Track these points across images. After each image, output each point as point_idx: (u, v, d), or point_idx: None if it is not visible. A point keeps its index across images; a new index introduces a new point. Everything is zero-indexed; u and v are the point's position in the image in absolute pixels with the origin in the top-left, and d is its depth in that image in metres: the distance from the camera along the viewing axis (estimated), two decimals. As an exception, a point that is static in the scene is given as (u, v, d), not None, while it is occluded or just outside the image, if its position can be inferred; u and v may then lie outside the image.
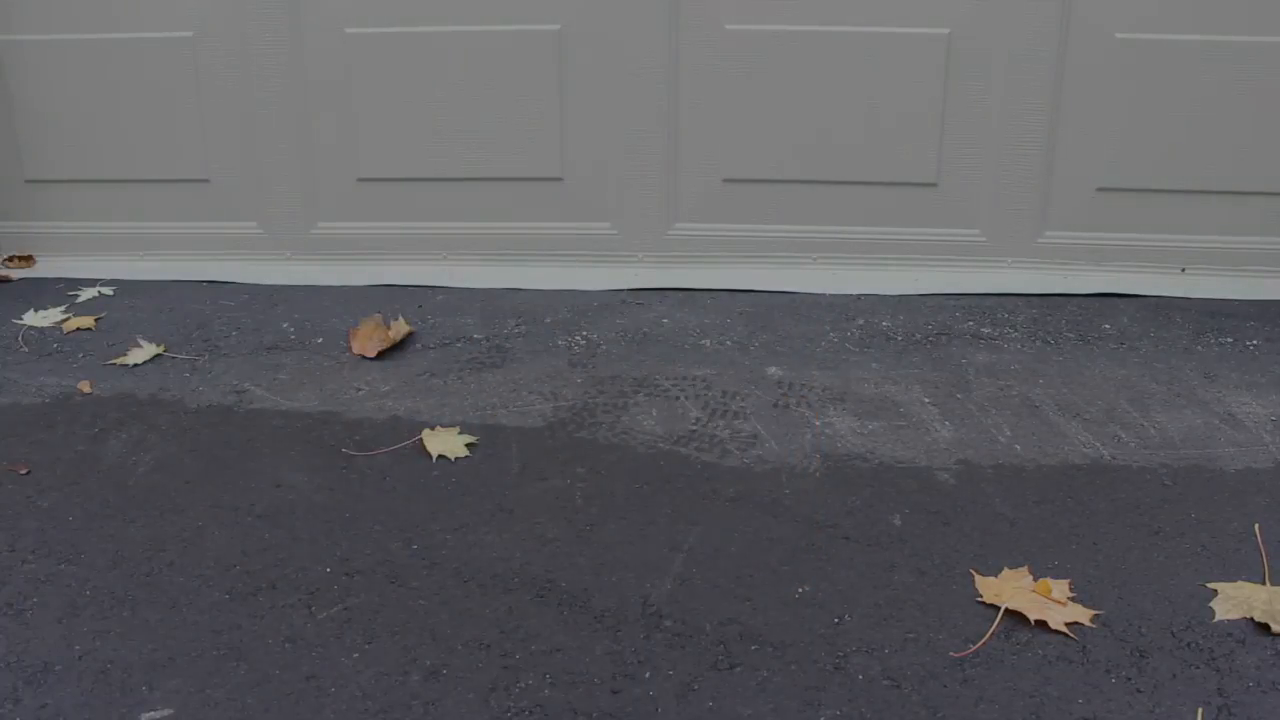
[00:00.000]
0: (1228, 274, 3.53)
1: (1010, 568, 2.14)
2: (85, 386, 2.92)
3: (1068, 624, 1.98)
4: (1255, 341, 3.15)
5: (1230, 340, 3.16)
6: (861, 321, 3.30)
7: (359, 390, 2.90)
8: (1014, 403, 2.80)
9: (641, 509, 2.35)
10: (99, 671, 1.90)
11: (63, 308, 3.45)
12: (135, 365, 3.05)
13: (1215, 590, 2.07)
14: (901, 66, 3.42)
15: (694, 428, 2.69)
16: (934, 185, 3.54)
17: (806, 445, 2.60)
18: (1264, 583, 2.09)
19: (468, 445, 2.60)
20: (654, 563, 2.17)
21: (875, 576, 2.13)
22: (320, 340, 3.21)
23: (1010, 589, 2.06)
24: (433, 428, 2.67)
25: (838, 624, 2.00)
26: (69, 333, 3.28)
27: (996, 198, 3.53)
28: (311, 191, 3.70)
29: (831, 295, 3.50)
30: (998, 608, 2.02)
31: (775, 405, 2.80)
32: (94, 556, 2.21)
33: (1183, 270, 3.56)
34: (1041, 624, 1.98)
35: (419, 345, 3.17)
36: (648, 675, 1.88)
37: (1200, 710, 1.79)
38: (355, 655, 1.93)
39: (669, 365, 3.03)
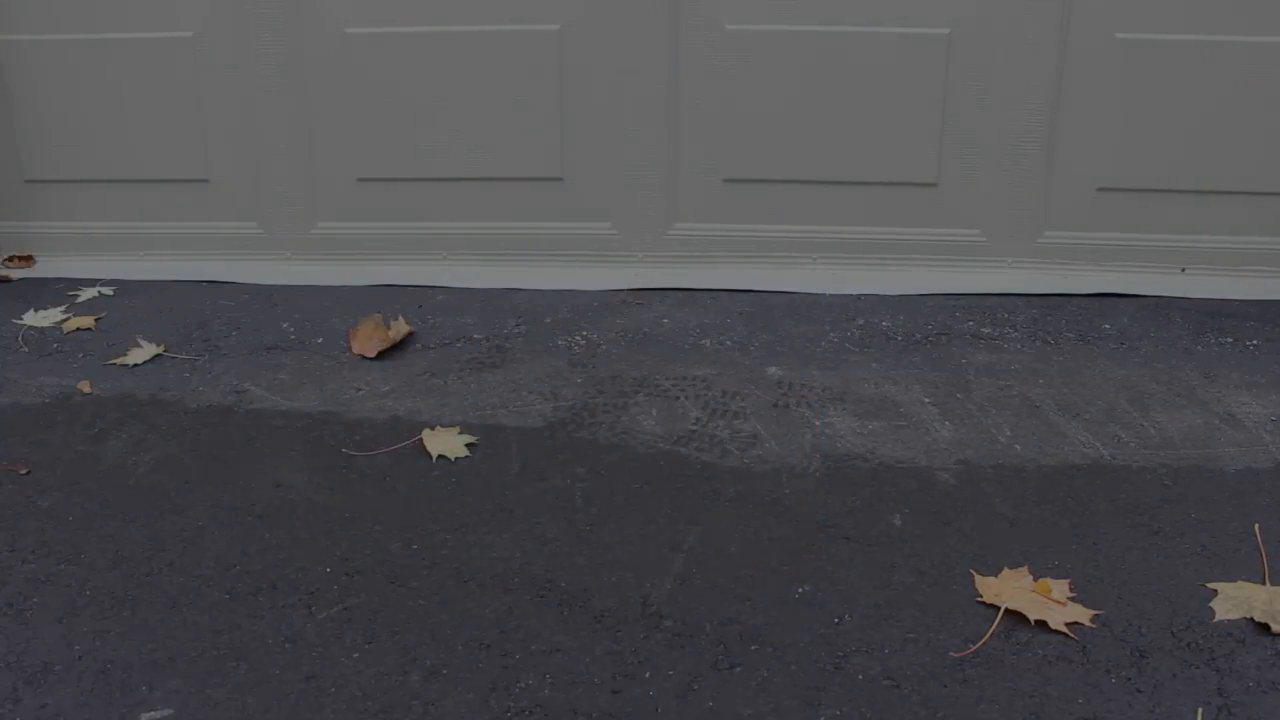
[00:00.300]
0: (1228, 274, 3.53)
1: (1010, 568, 2.14)
2: (85, 386, 2.92)
3: (1068, 624, 1.97)
4: (1255, 341, 3.15)
5: (1230, 340, 3.16)
6: (861, 321, 3.30)
7: (359, 390, 2.90)
8: (1014, 403, 2.80)
9: (641, 509, 2.35)
10: (99, 671, 1.90)
11: (63, 308, 3.45)
12: (135, 365, 3.05)
13: (1215, 590, 2.07)
14: (901, 66, 3.42)
15: (694, 428, 2.69)
16: (934, 185, 3.54)
17: (806, 445, 2.60)
18: (1264, 583, 2.09)
19: (468, 445, 2.60)
20: (654, 563, 2.17)
21: (875, 576, 2.13)
22: (320, 340, 3.21)
23: (1010, 589, 2.06)
24: (433, 428, 2.67)
25: (838, 624, 2.00)
26: (69, 333, 3.28)
27: (996, 198, 3.53)
28: (311, 191, 3.70)
29: (831, 295, 3.50)
30: (998, 608, 2.02)
31: (775, 405, 2.80)
32: (94, 556, 2.21)
33: (1183, 270, 3.56)
34: (1041, 624, 1.98)
35: (419, 345, 3.17)
36: (648, 675, 1.88)
37: (1200, 710, 1.79)
38: (355, 655, 1.93)
39: (669, 365, 3.03)
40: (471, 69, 3.53)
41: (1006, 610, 2.01)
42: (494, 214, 3.68)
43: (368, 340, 3.12)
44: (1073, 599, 2.05)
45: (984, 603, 2.05)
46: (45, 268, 3.78)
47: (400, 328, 3.18)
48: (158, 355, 3.12)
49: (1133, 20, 3.32)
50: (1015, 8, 3.34)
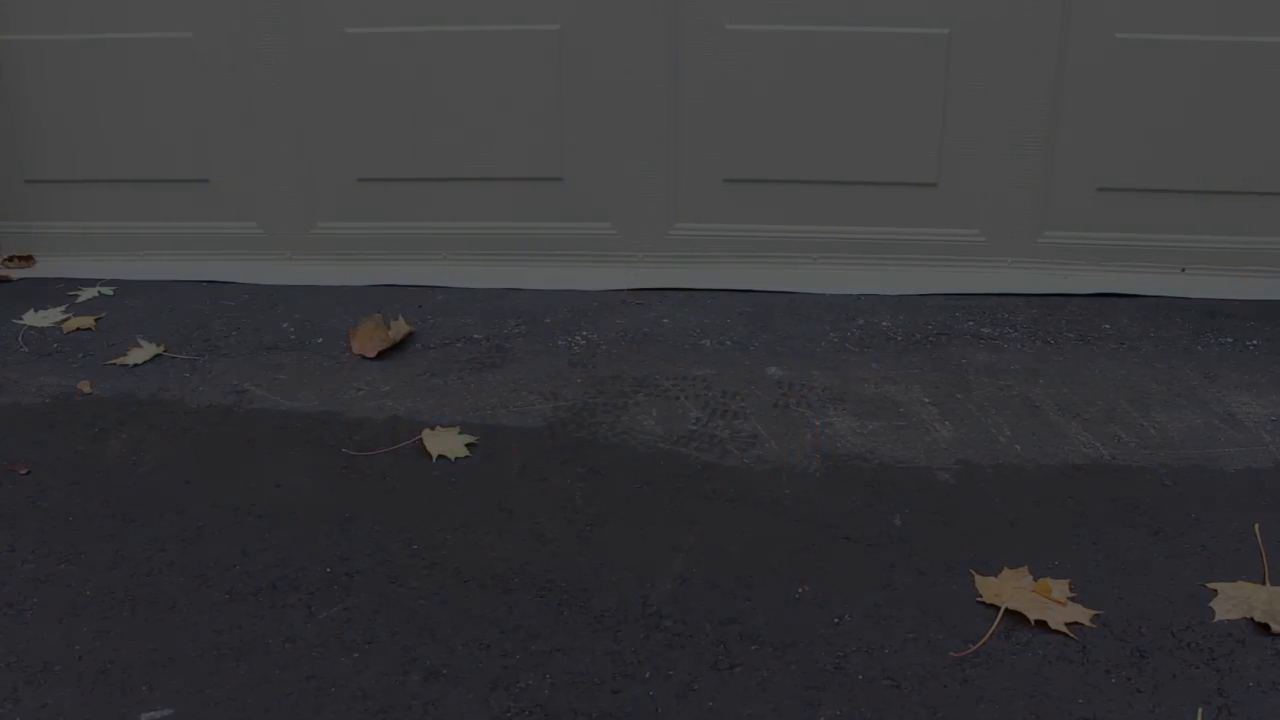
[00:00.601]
0: (1228, 274, 3.53)
1: (1010, 568, 2.14)
2: (85, 386, 2.92)
3: (1068, 624, 1.98)
4: (1255, 341, 3.15)
5: (1230, 340, 3.16)
6: (861, 321, 3.30)
7: (359, 390, 2.90)
8: (1014, 403, 2.80)
9: (641, 509, 2.35)
10: (99, 671, 1.90)
11: (63, 308, 3.45)
12: (135, 365, 3.05)
13: (1215, 590, 2.07)
14: (901, 66, 3.42)
15: (694, 428, 2.69)
16: (934, 185, 3.54)
17: (806, 445, 2.60)
18: (1264, 583, 2.09)
19: (468, 445, 2.60)
20: (654, 563, 2.17)
21: (875, 576, 2.13)
22: (320, 340, 3.21)
23: (1010, 589, 2.06)
24: (433, 428, 2.67)
25: (838, 624, 2.00)
26: (69, 333, 3.28)
27: (996, 198, 3.53)
28: (311, 191, 3.70)
29: (831, 295, 3.50)
30: (998, 608, 2.02)
31: (775, 405, 2.80)
32: (94, 556, 2.21)
33: (1183, 270, 3.55)
34: (1041, 624, 1.98)
35: (419, 345, 3.17)
36: (648, 675, 1.88)
37: (1200, 710, 1.79)
38: (355, 655, 1.93)
39: (669, 365, 3.03)
40: (472, 69, 3.53)
41: (1006, 610, 2.01)
42: (494, 214, 3.68)
43: (368, 340, 3.12)
44: (1073, 599, 2.05)
45: (984, 603, 2.05)
46: (45, 268, 3.78)
47: (400, 328, 3.18)
48: (158, 355, 3.12)
49: (1133, 20, 3.32)
50: (1015, 8, 3.34)
